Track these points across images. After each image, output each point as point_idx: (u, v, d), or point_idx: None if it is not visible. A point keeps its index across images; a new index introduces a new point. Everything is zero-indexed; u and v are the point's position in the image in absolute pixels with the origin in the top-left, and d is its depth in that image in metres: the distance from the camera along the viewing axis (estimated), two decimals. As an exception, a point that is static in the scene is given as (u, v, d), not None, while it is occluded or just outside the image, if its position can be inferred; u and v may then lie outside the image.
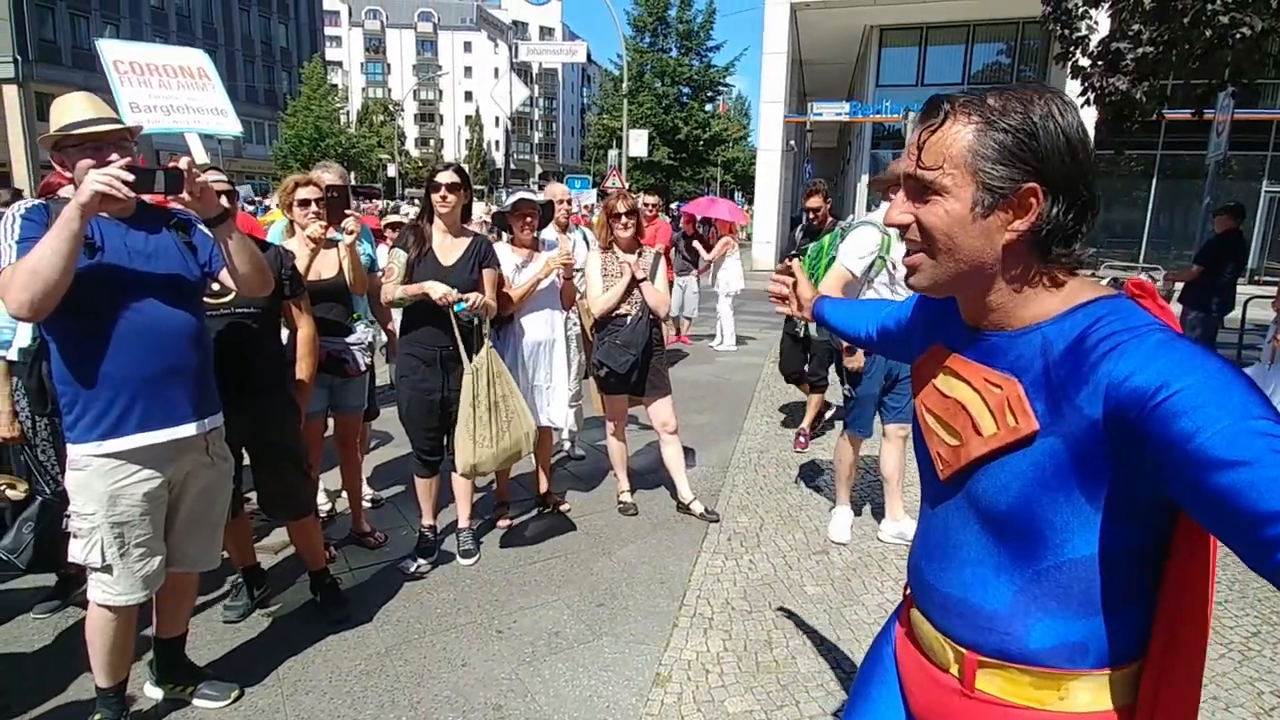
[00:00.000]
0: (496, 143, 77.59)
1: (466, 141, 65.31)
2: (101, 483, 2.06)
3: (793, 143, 21.74)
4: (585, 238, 4.97)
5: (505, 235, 4.06)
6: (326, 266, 3.39)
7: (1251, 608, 3.22)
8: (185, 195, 2.02)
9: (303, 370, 3.05)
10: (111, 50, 4.72)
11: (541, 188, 5.33)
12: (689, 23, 30.17)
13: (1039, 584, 0.95)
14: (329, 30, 63.09)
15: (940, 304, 1.15)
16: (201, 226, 2.23)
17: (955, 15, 19.14)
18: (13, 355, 2.73)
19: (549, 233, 4.52)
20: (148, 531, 2.15)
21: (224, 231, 2.17)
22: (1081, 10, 5.39)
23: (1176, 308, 7.56)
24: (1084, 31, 5.43)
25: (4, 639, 2.84)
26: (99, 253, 2.01)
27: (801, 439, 5.24)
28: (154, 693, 2.50)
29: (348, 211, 3.35)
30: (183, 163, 2.03)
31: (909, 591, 1.20)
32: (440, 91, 76.44)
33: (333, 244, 3.37)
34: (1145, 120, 5.83)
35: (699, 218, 10.15)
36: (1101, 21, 5.55)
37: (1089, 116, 5.97)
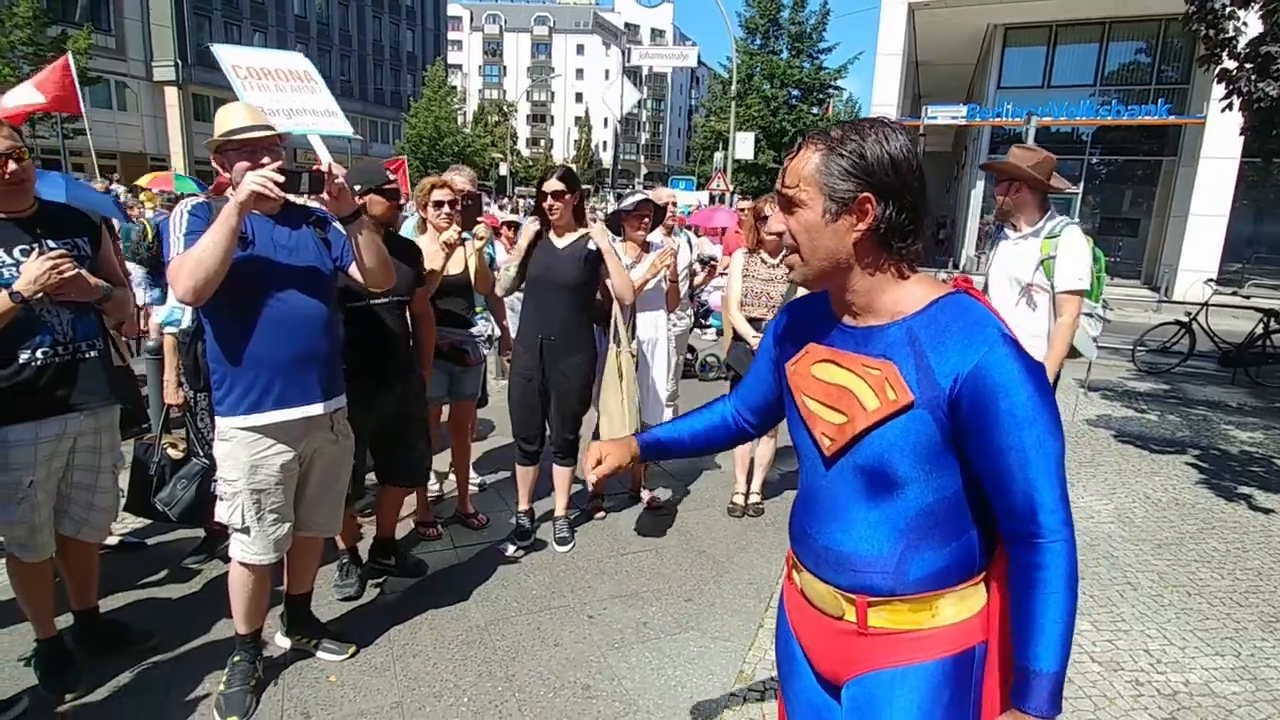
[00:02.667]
0: (605, 143, 78.95)
1: (575, 142, 66.76)
2: (245, 453, 2.31)
3: (905, 146, 21.03)
4: (689, 241, 5.05)
5: (616, 235, 4.19)
6: (453, 264, 3.61)
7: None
8: (325, 195, 2.25)
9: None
10: (229, 55, 4.94)
11: (649, 189, 5.45)
12: (802, 24, 29.70)
13: (913, 527, 1.20)
14: (451, 35, 65.99)
15: (806, 315, 1.37)
16: (336, 223, 2.46)
17: (1089, 12, 18.02)
18: (157, 318, 3.10)
19: (654, 235, 4.64)
20: (281, 499, 2.40)
21: (356, 228, 2.39)
22: (1229, 10, 5.01)
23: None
24: (1231, 33, 5.04)
25: (157, 585, 3.21)
26: (250, 245, 2.26)
27: None
28: (283, 642, 2.78)
29: (480, 218, 3.55)
30: (324, 165, 2.26)
31: (795, 560, 1.38)
32: (552, 93, 78.49)
33: (462, 243, 3.59)
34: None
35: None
36: (1251, 23, 5.14)
37: (1235, 121, 5.54)
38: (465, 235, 3.57)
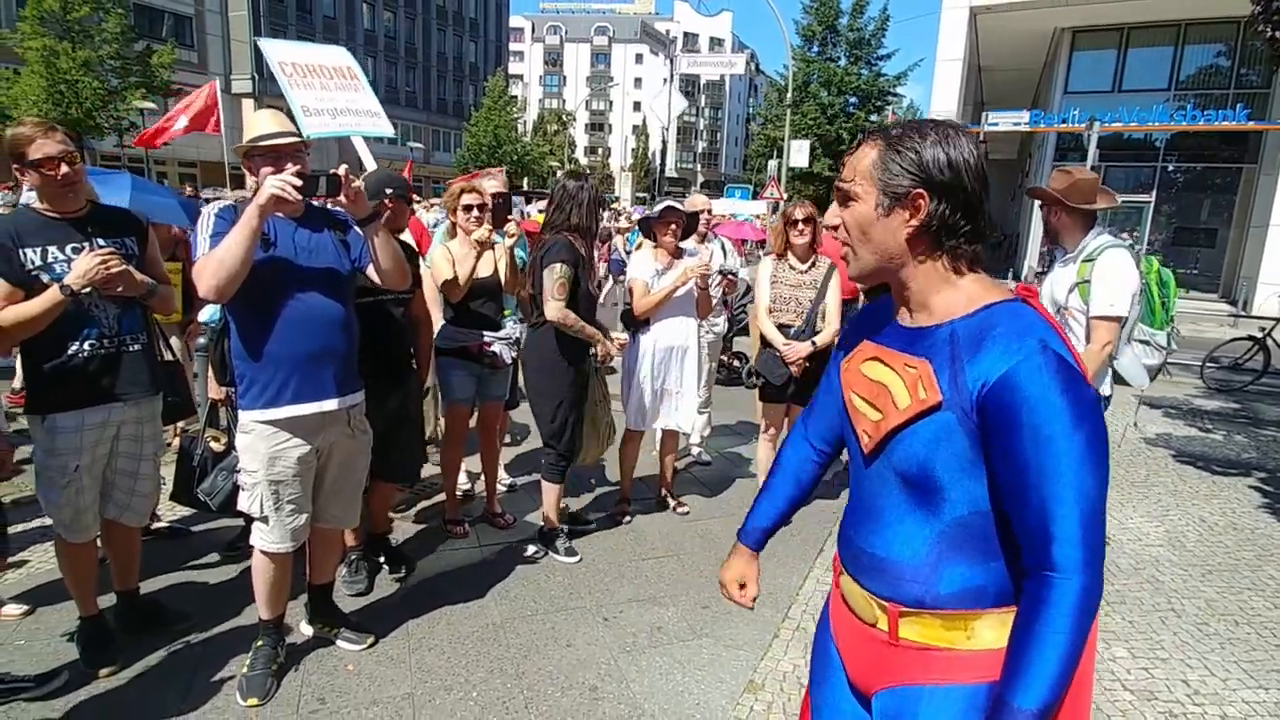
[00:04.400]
0: (665, 149, 79.34)
1: (633, 150, 67.21)
2: (264, 445, 2.41)
3: (965, 154, 20.52)
4: (724, 247, 5.04)
5: (650, 240, 4.21)
6: (483, 266, 3.69)
7: None
8: (342, 198, 2.34)
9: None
10: (275, 51, 5.00)
11: (683, 197, 5.45)
12: (860, 30, 29.32)
13: (946, 536, 1.16)
14: (513, 46, 67.37)
15: (870, 316, 1.37)
16: (355, 226, 2.55)
17: (1162, 14, 17.29)
18: (203, 316, 3.25)
19: (689, 242, 4.64)
20: (298, 491, 2.49)
21: (372, 230, 2.48)
22: (1300, 10, 4.76)
23: None
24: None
25: (197, 570, 3.36)
26: (272, 246, 2.37)
27: None
28: (306, 629, 2.88)
29: (510, 217, 3.63)
30: (341, 170, 2.35)
31: (839, 562, 1.36)
32: (610, 102, 79.25)
33: (493, 245, 3.66)
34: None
35: None
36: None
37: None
38: (496, 236, 3.64)
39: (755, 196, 27.02)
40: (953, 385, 1.12)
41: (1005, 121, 19.20)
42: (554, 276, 3.34)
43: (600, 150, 77.89)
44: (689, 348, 3.99)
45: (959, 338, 1.14)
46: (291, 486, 2.50)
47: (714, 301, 4.75)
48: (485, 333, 3.61)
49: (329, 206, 2.62)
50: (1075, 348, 1.13)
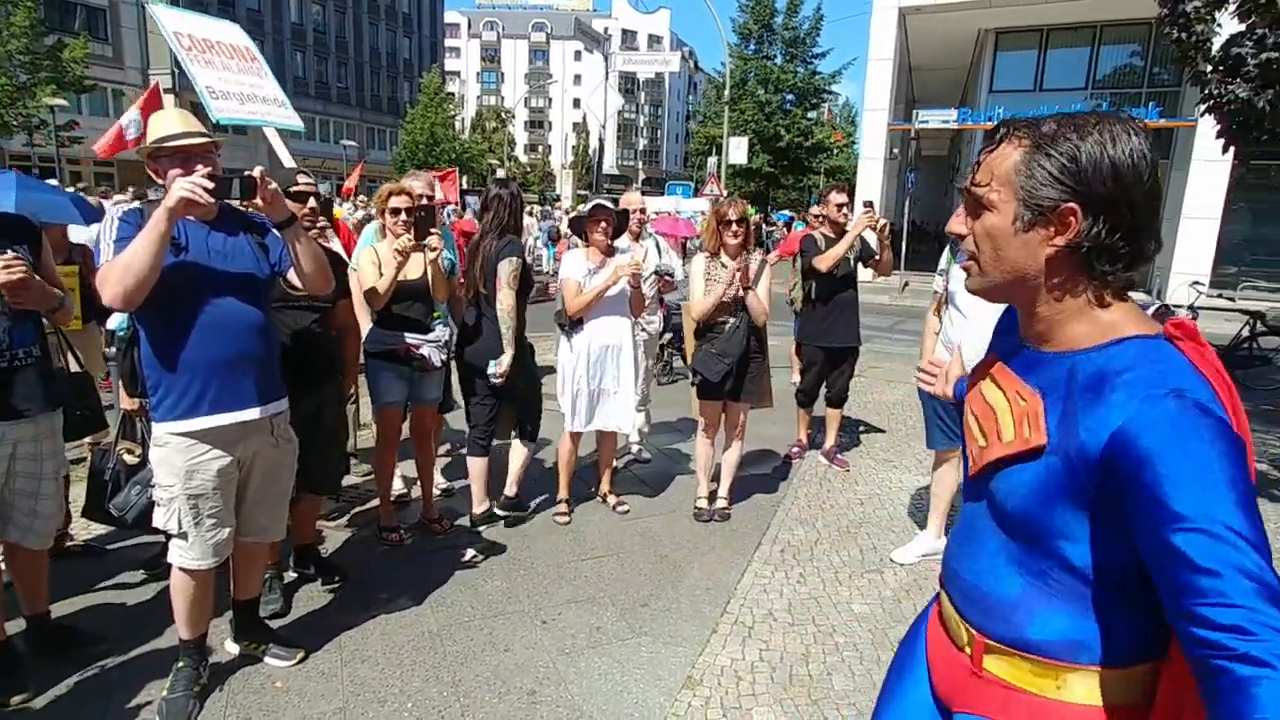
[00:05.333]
0: (602, 147, 79.03)
1: (573, 148, 66.86)
2: (180, 458, 2.31)
3: (895, 151, 21.09)
4: (659, 245, 5.05)
5: (581, 240, 4.19)
6: (412, 268, 3.60)
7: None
8: (258, 200, 2.26)
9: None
10: (169, 19, 4.56)
11: (615, 199, 5.44)
12: (795, 29, 29.82)
13: (1043, 581, 1.03)
14: (449, 42, 66.25)
15: (1005, 321, 1.24)
16: (273, 229, 2.46)
17: (1079, 16, 18.05)
18: (110, 324, 3.10)
19: (622, 241, 4.64)
20: (219, 504, 2.40)
21: (292, 234, 2.40)
22: (1201, 12, 5.02)
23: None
24: (1203, 34, 5.04)
25: (113, 590, 3.20)
26: (184, 251, 2.27)
27: (840, 458, 5.11)
28: (232, 647, 2.77)
29: (433, 229, 3.53)
30: (256, 171, 2.26)
31: (941, 572, 1.28)
32: (549, 99, 78.63)
33: (420, 249, 3.57)
34: (1276, 130, 5.34)
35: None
36: (1227, 25, 5.14)
37: (1212, 125, 5.53)
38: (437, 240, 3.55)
39: (696, 193, 27.21)
40: (1061, 429, 0.98)
41: (935, 119, 19.79)
42: (510, 268, 3.64)
43: (540, 148, 77.22)
44: (624, 346, 3.99)
45: (1078, 375, 0.99)
46: (212, 500, 2.40)
47: (648, 300, 4.76)
48: (414, 335, 3.53)
49: (245, 209, 2.52)
50: (1229, 400, 0.94)
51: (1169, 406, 0.88)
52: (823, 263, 4.64)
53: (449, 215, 11.55)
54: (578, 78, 78.26)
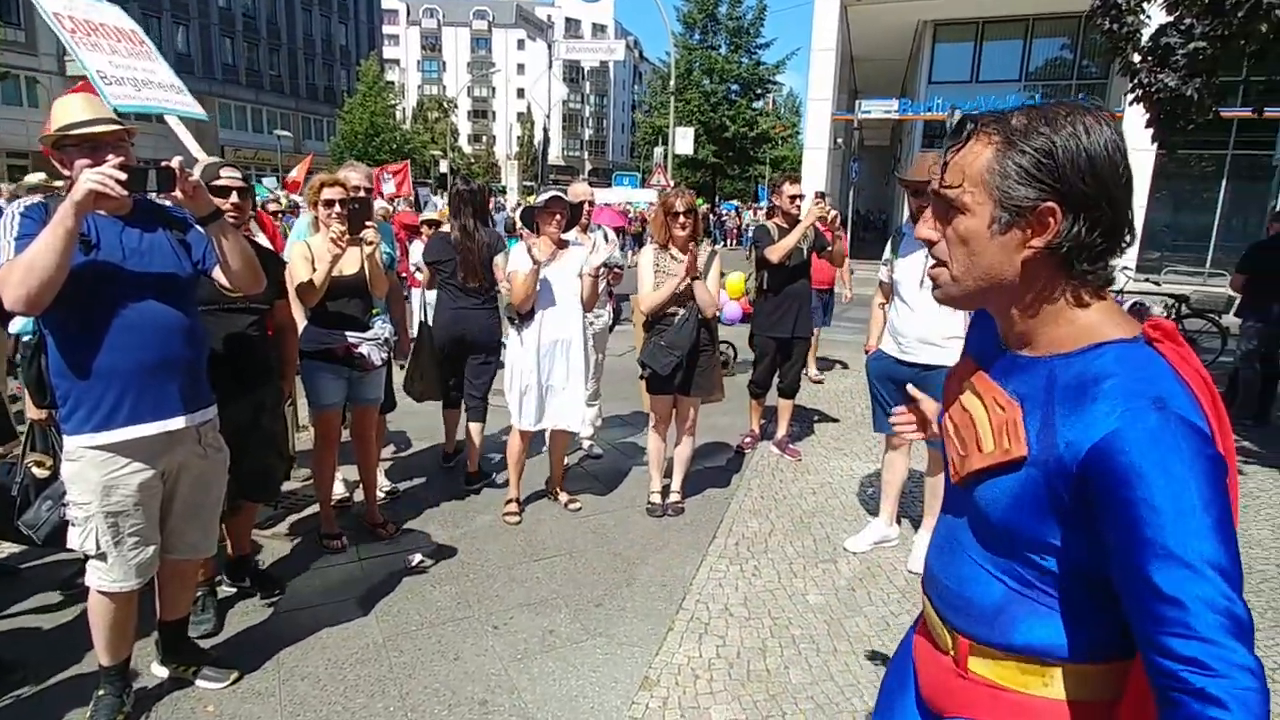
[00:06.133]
0: (547, 138, 78.18)
1: (518, 138, 66.01)
2: (96, 473, 2.14)
3: (840, 140, 21.39)
4: (606, 236, 4.96)
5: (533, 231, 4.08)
6: (348, 263, 3.44)
7: (1284, 637, 3.05)
8: (178, 194, 2.08)
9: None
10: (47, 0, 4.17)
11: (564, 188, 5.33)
12: (739, 19, 29.92)
13: (1025, 587, 1.01)
14: (387, 29, 64.53)
15: (982, 321, 1.19)
16: (196, 225, 2.29)
17: (1013, 9, 18.56)
18: (13, 328, 2.86)
19: (570, 233, 4.53)
20: (141, 521, 2.23)
21: (216, 229, 2.23)
22: (1132, 3, 5.15)
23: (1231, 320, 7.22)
24: (1133, 25, 5.18)
25: (30, 614, 2.98)
26: (94, 249, 2.09)
27: (792, 447, 5.12)
28: (160, 671, 2.60)
29: (369, 223, 3.37)
30: (174, 161, 2.09)
31: (923, 576, 1.25)
32: (493, 88, 77.44)
33: (357, 243, 3.41)
34: (1202, 119, 5.54)
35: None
36: (1156, 16, 5.30)
37: (1140, 115, 5.70)
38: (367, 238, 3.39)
39: (644, 184, 27.13)
40: (1039, 439, 0.95)
41: (877, 109, 20.17)
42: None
43: (485, 138, 76.06)
44: (574, 341, 3.89)
45: (1057, 382, 0.96)
46: (133, 517, 2.23)
47: (599, 292, 4.68)
48: (353, 333, 3.38)
49: (165, 203, 2.34)
50: (1211, 404, 0.93)
51: (1150, 421, 0.85)
52: (774, 253, 4.62)
53: (395, 207, 11.28)
54: (521, 67, 77.20)
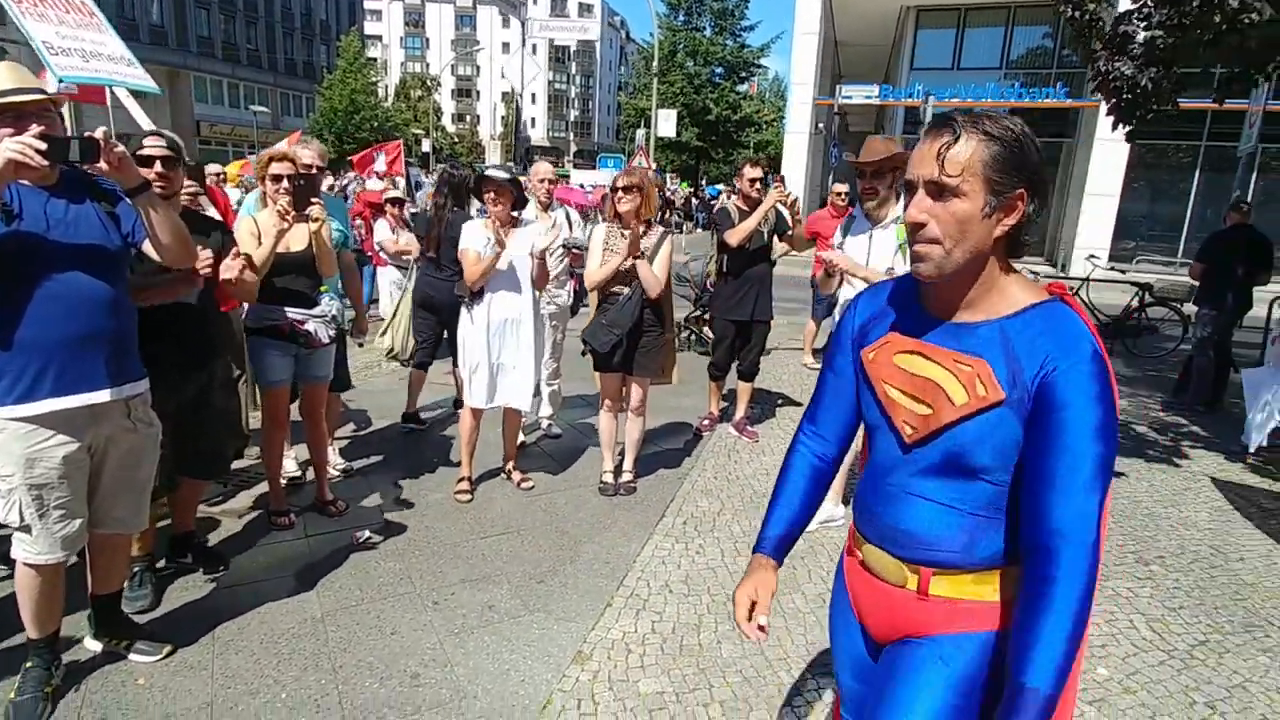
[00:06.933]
0: (533, 119, 77.51)
1: (502, 118, 65.36)
2: (18, 445, 2.12)
3: (821, 125, 21.35)
4: (568, 216, 4.95)
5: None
6: (295, 239, 3.42)
7: (1205, 616, 3.14)
8: (102, 165, 2.06)
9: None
10: None
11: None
12: (724, 1, 29.69)
13: (982, 513, 1.24)
14: (369, 3, 63.46)
15: (881, 304, 1.39)
16: (125, 197, 2.27)
17: (995, -4, 18.54)
18: None
19: (530, 211, 4.52)
20: (67, 494, 2.22)
21: (144, 202, 2.21)
22: (1094, -11, 5.17)
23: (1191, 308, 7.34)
24: (1095, 14, 5.21)
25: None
26: (17, 220, 2.07)
27: (750, 429, 5.15)
28: (93, 645, 2.60)
29: (315, 199, 3.34)
30: (98, 132, 2.07)
31: (857, 534, 1.42)
32: (478, 67, 76.44)
33: (305, 219, 3.38)
34: (1162, 109, 5.59)
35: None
36: (1122, 3, 5.33)
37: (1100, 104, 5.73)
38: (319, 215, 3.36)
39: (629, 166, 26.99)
40: (1012, 382, 1.17)
41: (858, 95, 20.12)
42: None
43: (469, 117, 75.14)
44: (523, 320, 3.89)
45: (1010, 337, 1.19)
46: (58, 490, 2.22)
47: (557, 273, 4.67)
48: (297, 310, 3.36)
49: (93, 174, 2.31)
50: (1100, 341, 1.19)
51: (1087, 364, 1.13)
52: (733, 237, 4.63)
53: (361, 185, 11.18)
54: (506, 45, 76.22)
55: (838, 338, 1.48)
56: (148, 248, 2.35)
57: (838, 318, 3.47)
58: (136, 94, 4.55)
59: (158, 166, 2.65)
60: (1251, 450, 5.02)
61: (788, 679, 2.59)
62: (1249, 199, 8.69)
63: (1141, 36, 4.84)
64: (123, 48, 4.34)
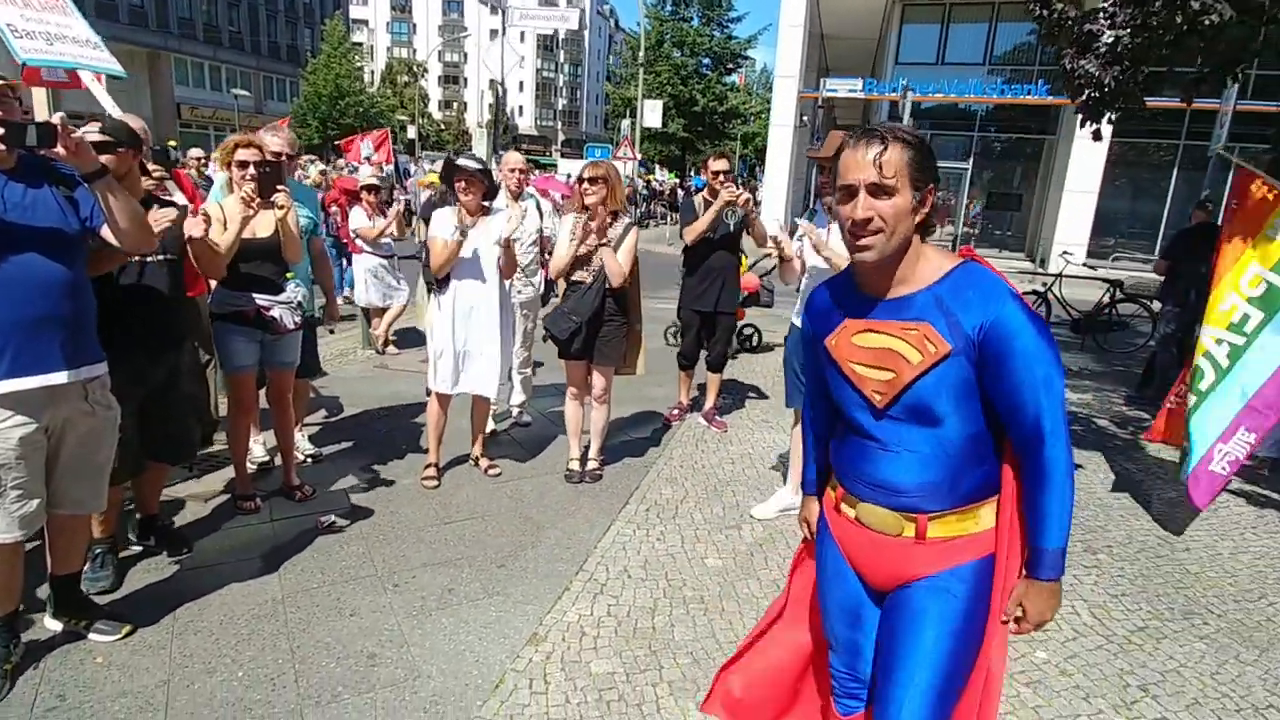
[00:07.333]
0: (521, 108, 76.93)
1: (489, 105, 64.86)
2: (-26, 425, 2.15)
3: (805, 118, 21.40)
4: (538, 205, 4.98)
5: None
6: (261, 226, 3.43)
7: (1146, 603, 3.24)
8: (59, 149, 2.09)
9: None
10: None
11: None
12: (712, -9, 29.62)
13: (958, 455, 1.48)
14: (355, -13, 62.56)
15: (829, 299, 1.64)
16: (84, 182, 2.29)
17: (979, -8, 18.61)
18: None
19: (500, 200, 4.55)
20: (24, 475, 2.25)
21: (102, 187, 2.24)
22: (1063, -12, 5.24)
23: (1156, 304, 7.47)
24: (1063, 13, 5.28)
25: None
26: None
27: (719, 419, 5.23)
28: (53, 624, 2.63)
29: (281, 187, 3.34)
30: (55, 117, 2.09)
31: (845, 495, 1.63)
32: (465, 54, 75.76)
33: (271, 206, 3.38)
34: (1129, 108, 5.68)
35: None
36: (1092, 2, 5.40)
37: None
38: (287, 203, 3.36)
39: (614, 156, 26.93)
40: (953, 334, 1.42)
41: (842, 88, 20.19)
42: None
43: (455, 105, 74.54)
44: (490, 307, 3.92)
45: (943, 298, 1.45)
46: (15, 470, 2.25)
47: (528, 262, 4.71)
48: (263, 296, 3.38)
49: (51, 159, 2.33)
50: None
51: (1012, 303, 1.41)
52: (688, 234, 4.78)
53: (352, 170, 11.13)
54: (494, 32, 75.49)
55: (805, 336, 1.75)
56: (106, 232, 2.37)
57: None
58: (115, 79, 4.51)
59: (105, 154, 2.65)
60: (1206, 444, 5.13)
61: (737, 660, 2.66)
62: (1224, 198, 8.81)
63: (1107, 36, 4.91)
64: (89, 31, 4.30)
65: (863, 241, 1.44)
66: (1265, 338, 3.66)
